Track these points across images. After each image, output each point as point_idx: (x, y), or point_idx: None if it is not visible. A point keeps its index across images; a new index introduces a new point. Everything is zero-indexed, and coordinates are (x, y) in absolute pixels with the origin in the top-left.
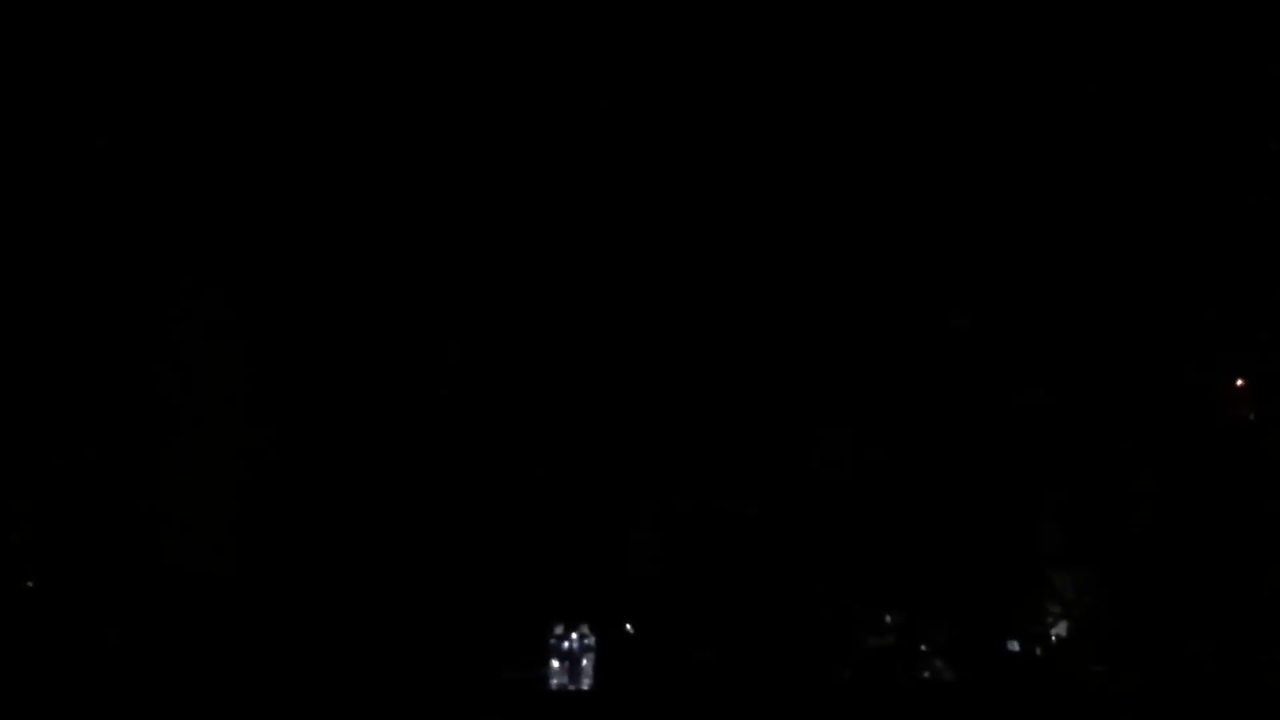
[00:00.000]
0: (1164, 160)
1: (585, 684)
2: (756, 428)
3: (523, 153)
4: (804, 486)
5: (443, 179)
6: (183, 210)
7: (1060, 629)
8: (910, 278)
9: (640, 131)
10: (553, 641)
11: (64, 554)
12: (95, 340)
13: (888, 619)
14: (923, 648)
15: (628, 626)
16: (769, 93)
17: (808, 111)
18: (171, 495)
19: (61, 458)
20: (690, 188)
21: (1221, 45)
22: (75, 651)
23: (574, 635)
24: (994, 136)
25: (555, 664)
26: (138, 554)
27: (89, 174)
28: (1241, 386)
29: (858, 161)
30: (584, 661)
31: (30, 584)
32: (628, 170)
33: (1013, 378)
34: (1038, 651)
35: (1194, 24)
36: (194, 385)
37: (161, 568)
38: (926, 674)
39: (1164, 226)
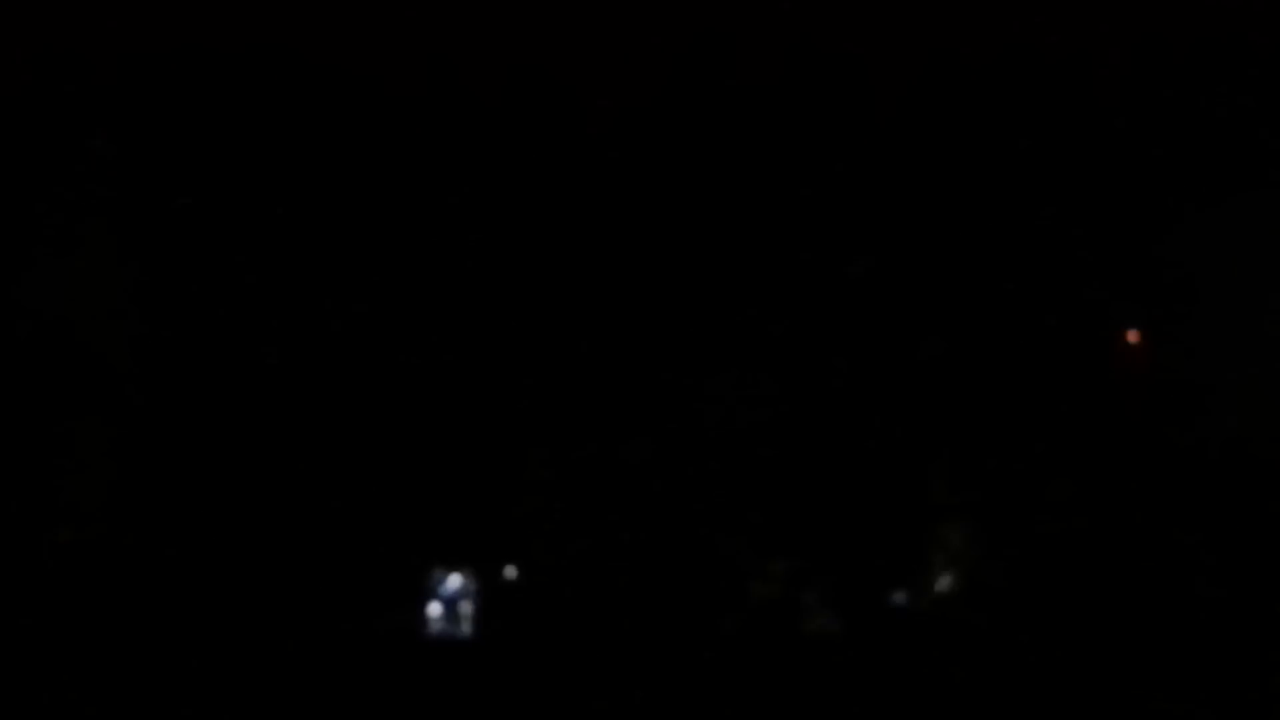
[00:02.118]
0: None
1: (465, 630)
2: (645, 371)
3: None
4: (692, 432)
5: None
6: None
7: (945, 582)
8: (805, 224)
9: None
10: (431, 586)
11: None
12: None
13: (773, 567)
14: (807, 597)
15: (509, 570)
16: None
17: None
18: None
19: None
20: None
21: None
22: None
23: (453, 579)
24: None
25: (434, 610)
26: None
27: None
28: (1135, 339)
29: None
30: (463, 607)
31: None
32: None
33: (907, 327)
34: (923, 604)
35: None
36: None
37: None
38: (812, 625)
39: (1056, 180)
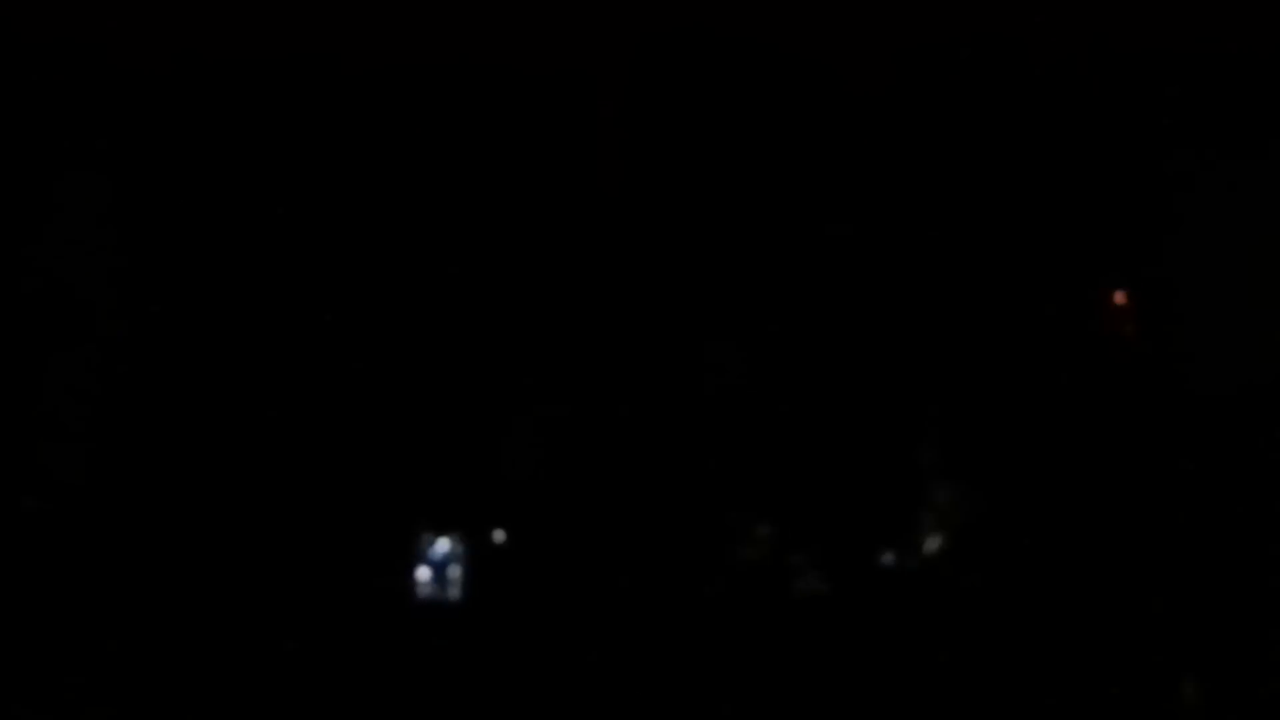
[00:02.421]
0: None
1: (454, 595)
2: (632, 332)
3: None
4: (678, 394)
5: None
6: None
7: (934, 543)
8: (791, 187)
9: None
10: (420, 551)
11: None
12: None
13: (760, 530)
14: (794, 559)
15: (498, 534)
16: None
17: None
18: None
19: None
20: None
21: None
22: None
23: (441, 542)
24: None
25: (423, 573)
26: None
27: None
28: (1122, 300)
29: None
30: (451, 570)
31: None
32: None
33: (893, 288)
34: (911, 565)
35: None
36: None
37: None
38: (799, 586)
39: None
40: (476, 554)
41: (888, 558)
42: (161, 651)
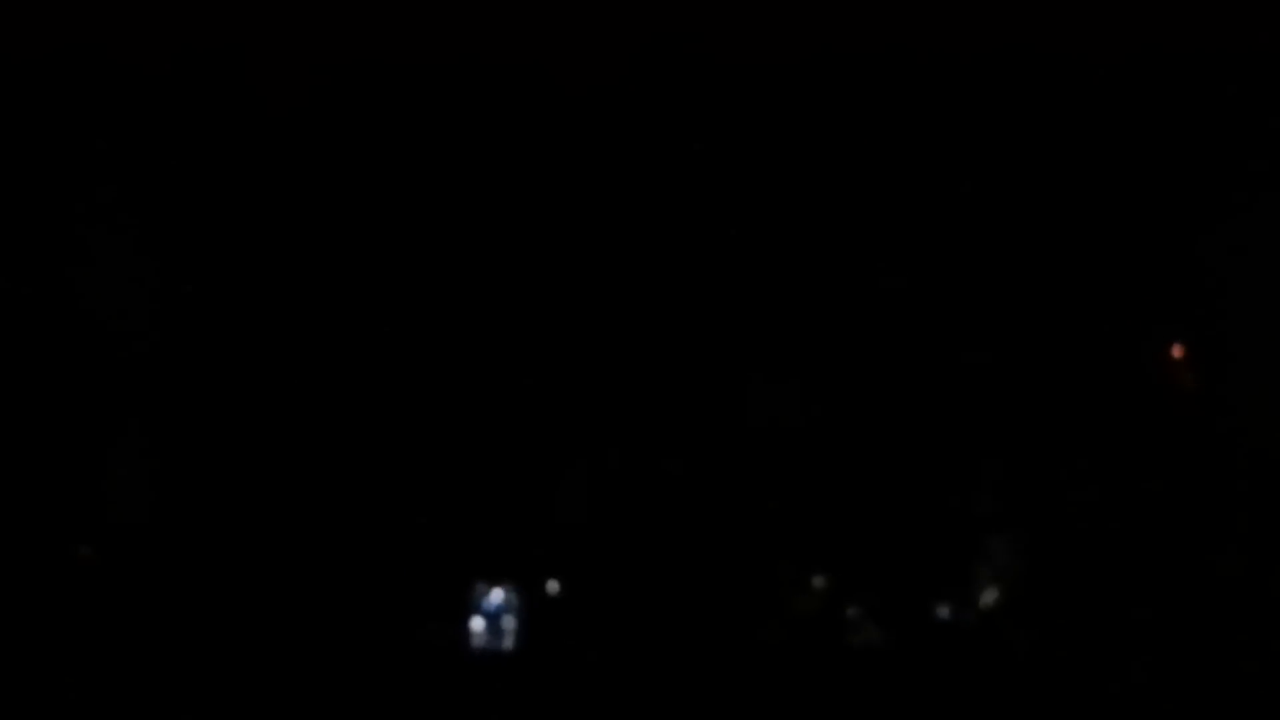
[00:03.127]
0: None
1: (508, 645)
2: (686, 382)
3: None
4: (732, 443)
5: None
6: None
7: (990, 596)
8: (847, 235)
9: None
10: (474, 601)
11: None
12: None
13: (815, 582)
14: (851, 612)
15: (552, 584)
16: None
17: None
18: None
19: None
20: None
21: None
22: None
23: (495, 593)
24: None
25: (477, 623)
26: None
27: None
28: (1179, 355)
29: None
30: (506, 621)
31: None
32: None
33: (951, 338)
34: (967, 618)
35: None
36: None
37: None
38: (856, 639)
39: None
40: (531, 604)
41: (943, 611)
42: (211, 699)
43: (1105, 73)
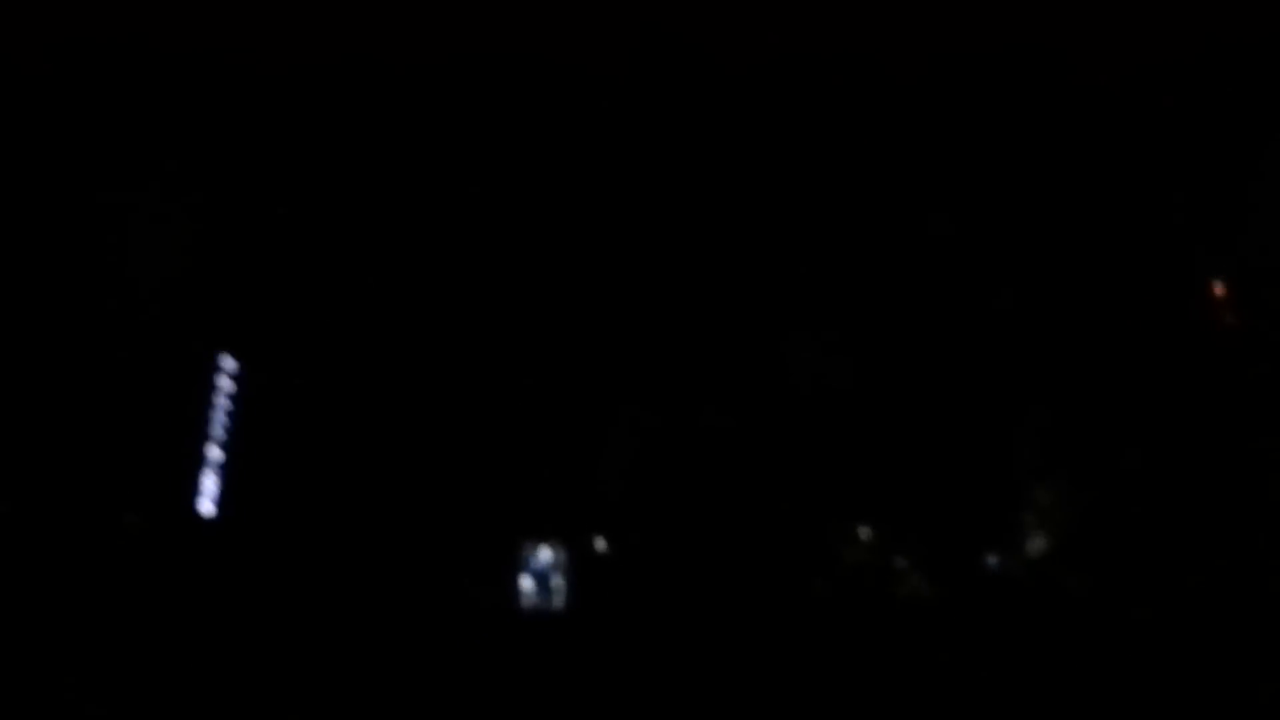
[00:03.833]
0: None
1: (558, 604)
2: (727, 336)
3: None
4: (777, 396)
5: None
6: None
7: (1038, 545)
8: (885, 182)
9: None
10: (522, 560)
11: None
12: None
13: (861, 533)
14: (897, 562)
15: (600, 542)
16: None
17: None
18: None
19: None
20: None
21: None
22: None
23: (544, 552)
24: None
25: (527, 583)
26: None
27: None
28: (1222, 292)
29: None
30: (555, 579)
31: None
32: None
33: (995, 287)
34: (1015, 567)
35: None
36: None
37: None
38: (903, 590)
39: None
40: (579, 562)
41: (991, 560)
42: (262, 660)
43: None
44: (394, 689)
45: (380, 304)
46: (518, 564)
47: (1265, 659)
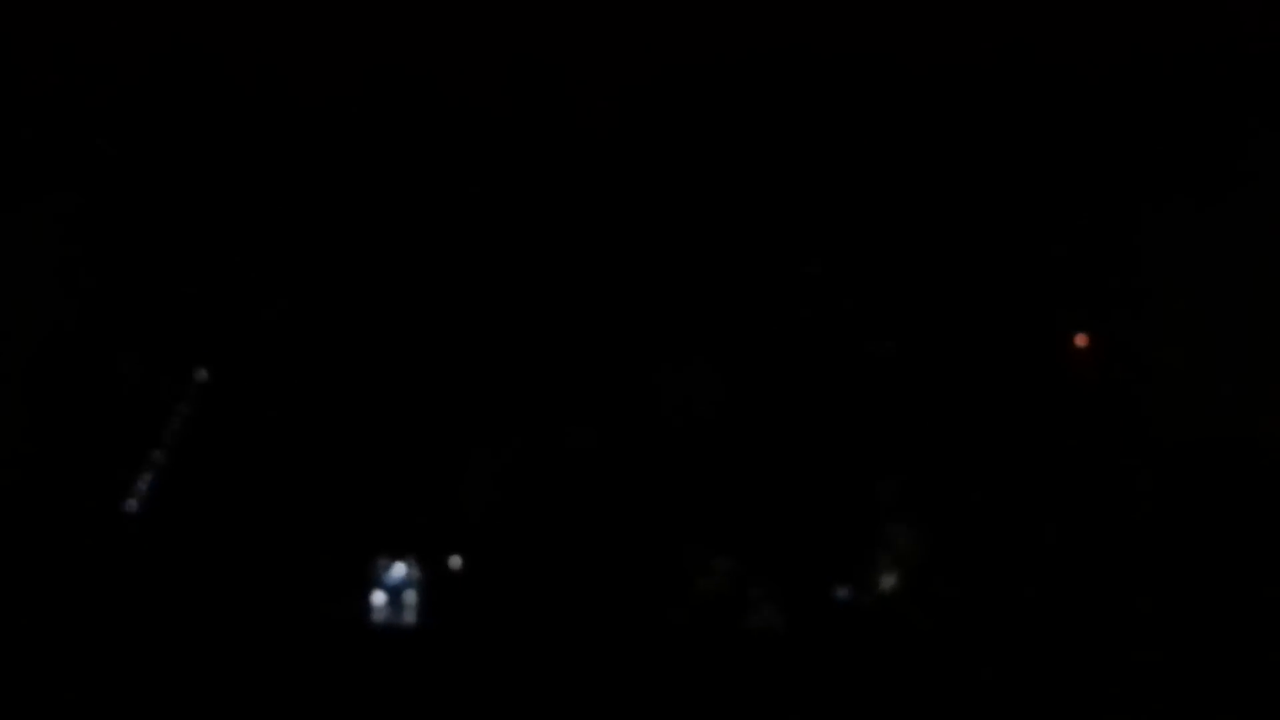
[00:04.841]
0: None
1: (410, 619)
2: (595, 363)
3: None
4: (640, 424)
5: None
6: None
7: (890, 581)
8: (760, 220)
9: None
10: (375, 575)
11: None
12: None
13: (719, 563)
14: (752, 593)
15: (454, 559)
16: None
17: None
18: None
19: None
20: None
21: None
22: None
23: (397, 568)
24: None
25: (378, 598)
26: None
27: None
28: (1083, 343)
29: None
30: (408, 596)
31: None
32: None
33: (858, 325)
34: (867, 602)
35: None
36: None
37: None
38: (755, 620)
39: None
40: (433, 579)
41: (843, 593)
42: (113, 671)
43: (998, 80)
44: (243, 699)
45: (243, 308)
46: (369, 579)
47: (1111, 698)
